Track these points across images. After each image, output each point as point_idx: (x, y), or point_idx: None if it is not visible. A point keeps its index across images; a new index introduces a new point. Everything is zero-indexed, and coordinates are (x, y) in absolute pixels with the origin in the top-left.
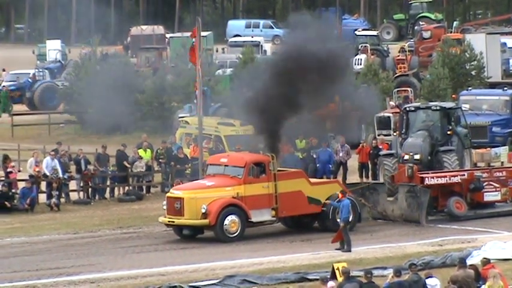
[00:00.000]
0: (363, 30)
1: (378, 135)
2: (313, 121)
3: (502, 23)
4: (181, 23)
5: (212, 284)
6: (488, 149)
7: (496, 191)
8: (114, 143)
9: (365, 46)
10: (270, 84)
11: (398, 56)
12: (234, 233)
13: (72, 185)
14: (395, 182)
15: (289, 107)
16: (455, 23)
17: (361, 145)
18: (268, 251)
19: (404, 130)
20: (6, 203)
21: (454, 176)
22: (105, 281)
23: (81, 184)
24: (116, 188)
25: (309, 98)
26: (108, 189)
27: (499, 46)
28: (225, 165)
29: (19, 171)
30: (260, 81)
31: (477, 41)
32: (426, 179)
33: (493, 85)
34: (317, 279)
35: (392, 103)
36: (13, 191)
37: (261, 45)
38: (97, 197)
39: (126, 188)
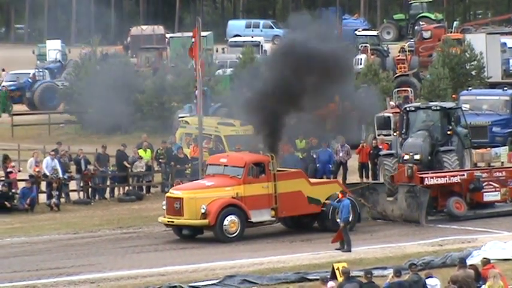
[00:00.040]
0: (363, 30)
1: (378, 135)
2: (313, 121)
3: (502, 23)
4: (181, 23)
5: (212, 284)
6: (489, 149)
7: (495, 191)
8: (114, 143)
9: (365, 46)
10: (269, 84)
11: (399, 56)
12: (234, 233)
13: (72, 185)
14: (395, 182)
15: (289, 107)
16: (455, 23)
17: (361, 145)
18: (268, 251)
19: (404, 130)
20: (6, 203)
21: (454, 176)
22: (105, 281)
23: (81, 184)
24: (116, 188)
25: (309, 97)
26: (108, 189)
27: (499, 46)
28: (225, 165)
29: (19, 171)
30: (260, 81)
31: (477, 41)
32: (426, 179)
33: (493, 85)
34: (317, 279)
35: (392, 103)
36: (13, 191)
37: (261, 45)
38: (97, 197)
39: (126, 188)
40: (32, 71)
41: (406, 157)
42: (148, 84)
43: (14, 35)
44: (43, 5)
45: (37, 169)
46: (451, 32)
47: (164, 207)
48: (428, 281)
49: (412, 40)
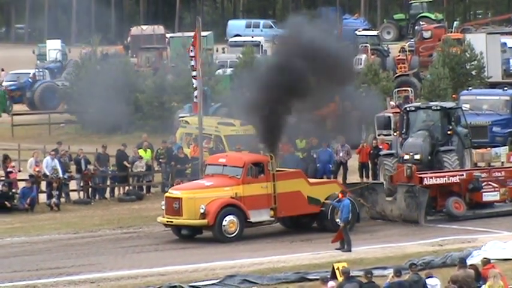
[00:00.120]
0: (363, 30)
1: (378, 135)
2: (314, 121)
3: (502, 23)
4: (181, 23)
5: (212, 284)
6: (489, 149)
7: (495, 191)
8: (114, 142)
9: (365, 46)
10: (270, 84)
11: (399, 56)
12: (233, 233)
13: (72, 184)
14: (394, 182)
15: (289, 107)
16: (455, 23)
17: (361, 145)
18: (268, 251)
19: (404, 130)
20: (6, 202)
21: (453, 176)
22: (105, 281)
23: (81, 184)
24: (116, 188)
25: (310, 97)
26: (108, 189)
27: (499, 46)
28: (224, 165)
29: (19, 171)
30: (260, 81)
31: (477, 41)
32: (425, 179)
33: (493, 85)
34: (317, 279)
35: (392, 103)
36: (13, 190)
37: (261, 45)
38: (97, 196)
39: (126, 188)
40: (32, 70)
41: (406, 157)
42: (148, 84)
43: (14, 35)
44: (43, 4)
45: (37, 169)
46: (451, 32)
47: (163, 207)
48: (429, 281)
49: (412, 40)
